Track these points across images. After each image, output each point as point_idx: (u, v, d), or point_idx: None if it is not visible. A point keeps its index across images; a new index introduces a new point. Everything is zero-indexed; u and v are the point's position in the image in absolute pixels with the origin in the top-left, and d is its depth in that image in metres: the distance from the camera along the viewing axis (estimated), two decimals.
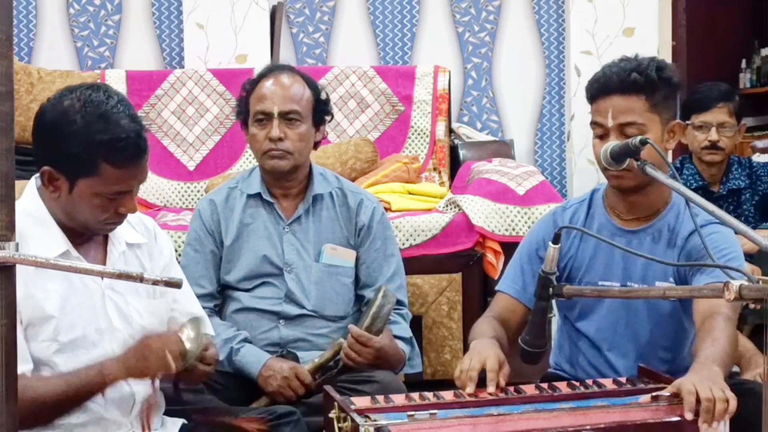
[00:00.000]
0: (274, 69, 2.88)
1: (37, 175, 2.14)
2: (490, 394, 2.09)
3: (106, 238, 2.18)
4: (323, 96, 2.87)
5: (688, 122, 3.63)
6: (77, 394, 2.00)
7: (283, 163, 2.78)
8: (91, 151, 2.00)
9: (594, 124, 2.36)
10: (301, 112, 2.79)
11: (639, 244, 2.38)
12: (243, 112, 2.87)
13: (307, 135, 2.81)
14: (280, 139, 2.75)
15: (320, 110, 2.85)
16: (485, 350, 2.19)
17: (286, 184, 2.84)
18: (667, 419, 1.92)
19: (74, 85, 2.10)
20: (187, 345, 2.02)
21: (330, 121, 2.93)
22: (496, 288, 2.54)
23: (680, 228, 2.38)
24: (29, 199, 2.11)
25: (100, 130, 1.99)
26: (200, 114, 4.41)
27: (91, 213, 2.06)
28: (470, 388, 2.10)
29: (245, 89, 2.87)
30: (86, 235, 2.13)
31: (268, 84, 2.82)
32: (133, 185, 2.09)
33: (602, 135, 2.33)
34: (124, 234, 2.20)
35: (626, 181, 2.32)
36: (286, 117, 2.77)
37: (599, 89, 2.35)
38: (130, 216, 2.15)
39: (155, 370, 2.00)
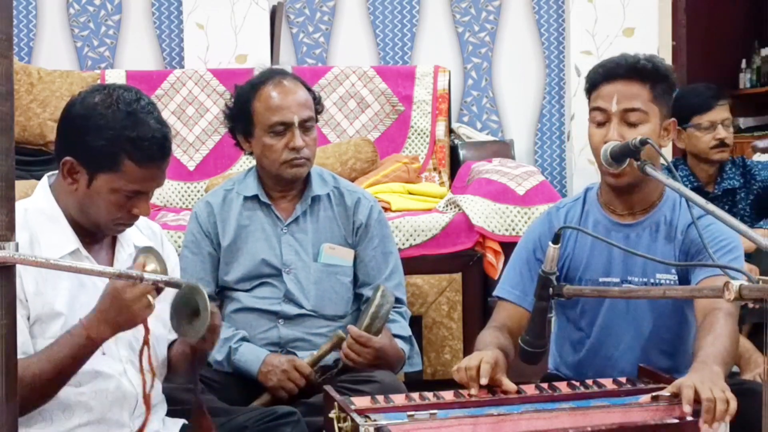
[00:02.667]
0: (272, 75, 2.82)
1: (49, 173, 2.14)
2: (482, 386, 2.07)
3: (114, 239, 2.18)
4: (317, 95, 2.87)
5: (685, 126, 3.59)
6: (72, 363, 1.97)
7: (304, 170, 2.78)
8: (115, 146, 2.01)
9: (596, 110, 2.34)
10: (314, 117, 2.80)
11: (637, 237, 2.37)
12: (243, 121, 2.80)
13: (316, 137, 2.82)
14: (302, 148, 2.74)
15: (319, 110, 2.86)
16: (483, 351, 2.18)
17: (290, 187, 2.83)
18: (668, 421, 1.92)
19: (107, 83, 2.11)
20: (151, 267, 1.97)
21: (321, 112, 2.91)
22: (495, 293, 2.50)
23: (678, 220, 2.38)
24: (41, 196, 2.11)
25: (127, 126, 2.01)
26: (200, 114, 4.42)
27: (106, 210, 2.06)
28: (474, 390, 2.08)
29: (243, 99, 2.80)
30: (96, 235, 2.13)
31: (276, 92, 2.76)
32: (151, 187, 2.09)
33: (603, 122, 2.32)
34: (132, 236, 2.20)
35: (623, 179, 2.32)
36: (305, 125, 2.76)
37: (605, 74, 2.34)
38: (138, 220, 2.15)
39: (141, 316, 1.96)
